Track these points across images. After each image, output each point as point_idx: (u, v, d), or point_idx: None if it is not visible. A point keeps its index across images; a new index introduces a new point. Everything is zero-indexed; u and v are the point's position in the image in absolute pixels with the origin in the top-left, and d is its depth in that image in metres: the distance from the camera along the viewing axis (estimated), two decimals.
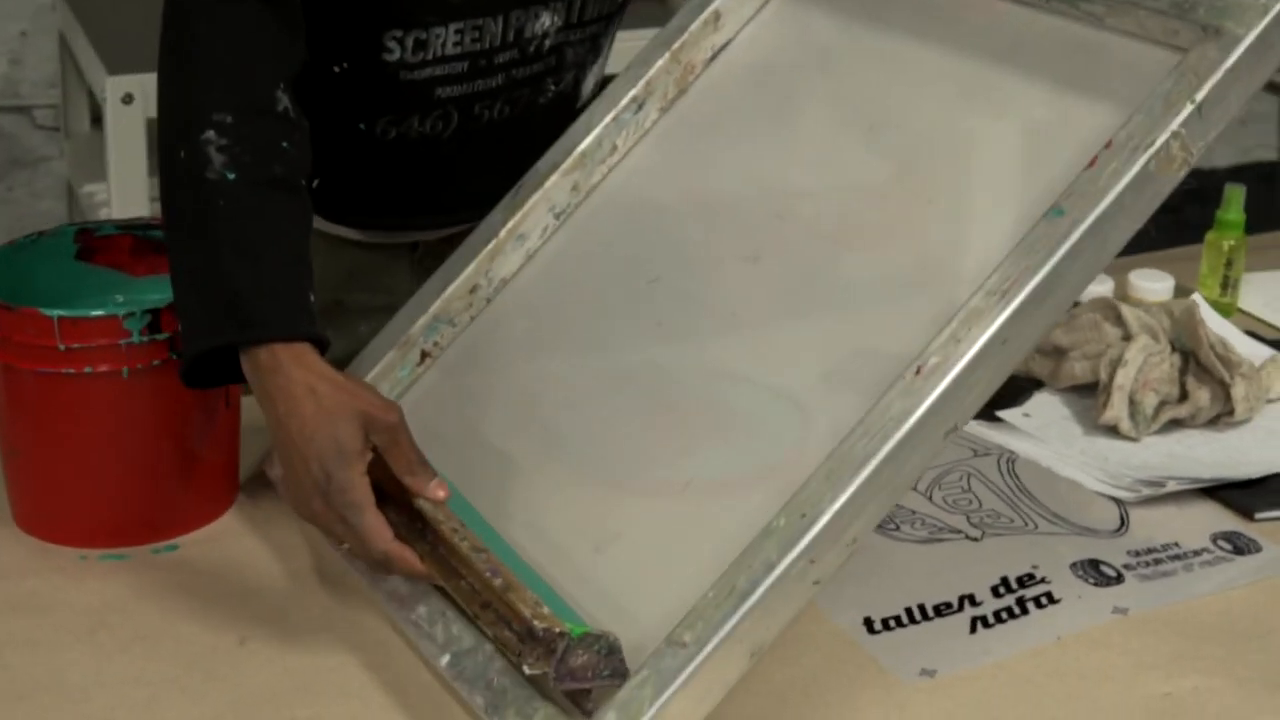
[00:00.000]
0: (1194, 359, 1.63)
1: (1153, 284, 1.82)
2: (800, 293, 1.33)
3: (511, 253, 1.48)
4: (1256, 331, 1.82)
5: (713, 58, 1.51)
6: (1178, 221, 1.82)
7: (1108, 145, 1.18)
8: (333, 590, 1.34)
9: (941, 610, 1.34)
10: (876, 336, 1.25)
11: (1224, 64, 1.17)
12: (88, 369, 1.34)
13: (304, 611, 1.32)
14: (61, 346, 1.33)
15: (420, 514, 1.24)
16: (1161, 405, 1.60)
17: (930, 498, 1.49)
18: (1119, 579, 1.39)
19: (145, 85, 2.51)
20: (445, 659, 1.22)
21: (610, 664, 1.13)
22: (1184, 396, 1.61)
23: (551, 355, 1.42)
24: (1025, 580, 1.38)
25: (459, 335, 1.47)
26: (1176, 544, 1.44)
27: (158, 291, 1.43)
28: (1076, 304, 1.63)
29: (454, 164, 1.56)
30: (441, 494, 1.24)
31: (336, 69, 1.48)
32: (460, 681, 1.20)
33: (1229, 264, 1.87)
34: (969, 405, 1.17)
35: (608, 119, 1.49)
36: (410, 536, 1.24)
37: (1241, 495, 1.51)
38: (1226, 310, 1.86)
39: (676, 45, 1.50)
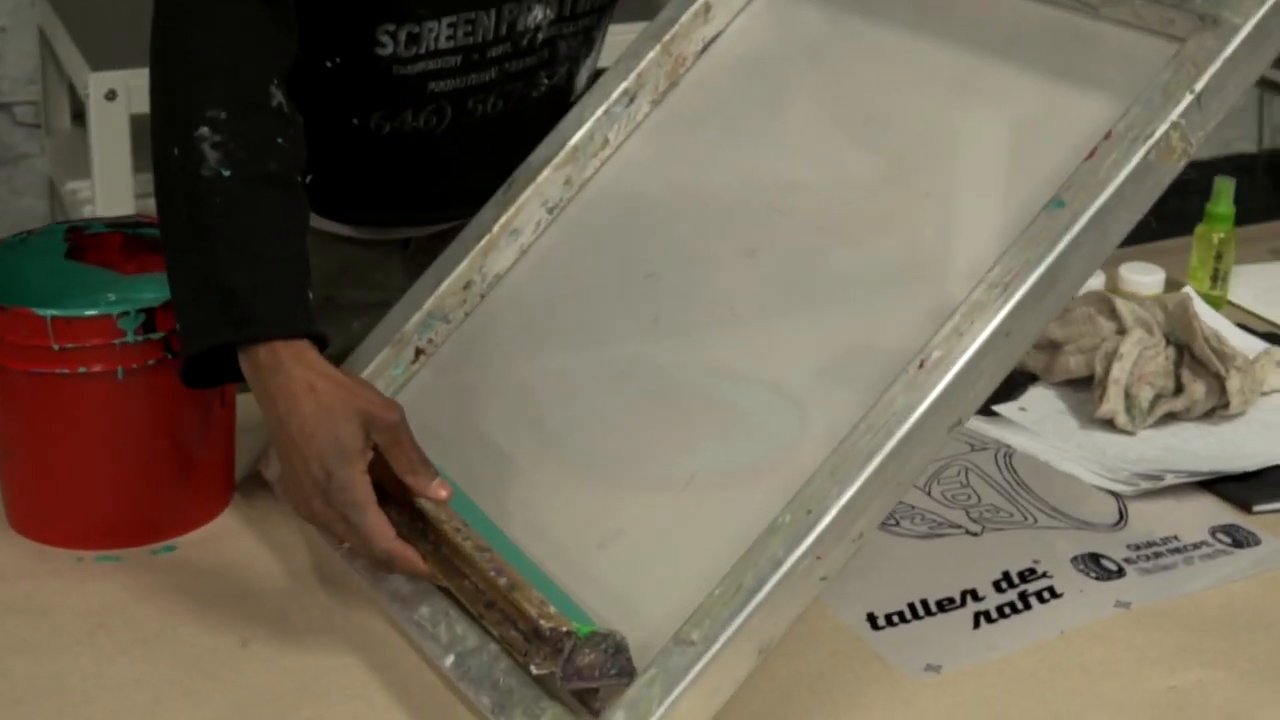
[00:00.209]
0: (1189, 352, 1.63)
1: (1144, 277, 1.82)
2: (797, 288, 1.33)
3: (505, 248, 1.47)
4: (1247, 324, 1.82)
5: (703, 50, 1.51)
6: (1159, 213, 1.82)
7: (1107, 136, 1.18)
8: (333, 590, 1.33)
9: (944, 605, 1.33)
10: (872, 332, 1.25)
11: (1222, 53, 1.17)
12: (82, 369, 1.33)
13: (305, 612, 1.31)
14: (55, 347, 1.32)
15: (422, 513, 1.24)
16: (1157, 399, 1.60)
17: (929, 493, 1.49)
18: (1120, 573, 1.38)
19: (128, 81, 2.50)
20: (450, 659, 1.21)
21: (617, 663, 1.13)
22: (1179, 390, 1.61)
23: (548, 351, 1.41)
24: (1027, 575, 1.37)
25: (453, 332, 1.46)
26: (1176, 537, 1.44)
27: (149, 290, 1.43)
28: None
29: (447, 159, 1.55)
30: (444, 493, 1.24)
31: (329, 64, 1.47)
32: (466, 682, 1.20)
33: (1219, 257, 1.87)
34: (973, 399, 1.17)
35: (599, 112, 1.48)
36: (412, 536, 1.23)
37: (1239, 488, 1.51)
38: (1217, 303, 1.86)
39: (667, 37, 1.49)
